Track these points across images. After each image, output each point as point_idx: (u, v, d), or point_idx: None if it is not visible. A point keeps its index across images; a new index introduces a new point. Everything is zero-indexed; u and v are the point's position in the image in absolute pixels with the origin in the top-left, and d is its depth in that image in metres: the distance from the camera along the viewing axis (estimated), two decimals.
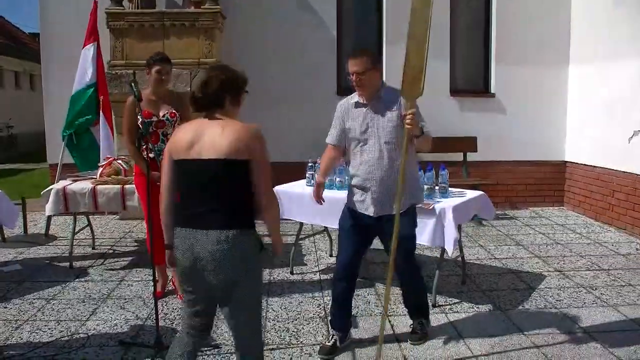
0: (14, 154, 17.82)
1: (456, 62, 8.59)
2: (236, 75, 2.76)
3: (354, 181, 3.77)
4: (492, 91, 8.55)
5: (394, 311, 4.57)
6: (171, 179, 2.73)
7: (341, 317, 3.92)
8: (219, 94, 2.68)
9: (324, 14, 8.35)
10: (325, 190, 5.05)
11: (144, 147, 4.53)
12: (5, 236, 6.83)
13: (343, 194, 4.84)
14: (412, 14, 3.42)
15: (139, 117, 4.08)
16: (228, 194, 2.61)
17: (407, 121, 3.34)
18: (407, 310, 4.12)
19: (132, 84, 3.89)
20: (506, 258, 6.01)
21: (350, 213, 3.82)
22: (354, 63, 3.59)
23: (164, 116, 4.60)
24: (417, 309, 4.04)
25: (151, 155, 4.55)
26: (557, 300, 4.77)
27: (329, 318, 4.03)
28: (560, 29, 8.44)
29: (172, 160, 2.71)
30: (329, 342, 3.87)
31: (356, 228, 3.77)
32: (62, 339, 4.08)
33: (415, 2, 3.41)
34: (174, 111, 4.65)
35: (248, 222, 2.65)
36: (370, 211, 3.71)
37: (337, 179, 5.15)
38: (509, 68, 8.44)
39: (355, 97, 3.75)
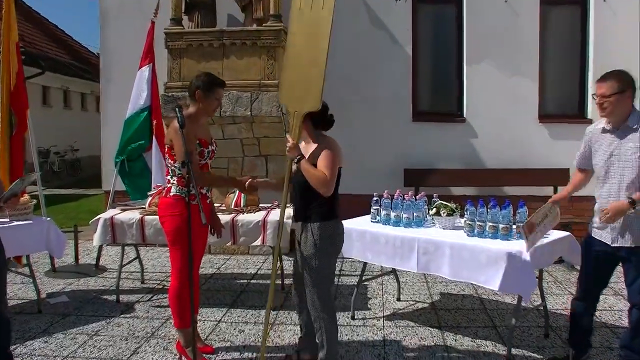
0: (77, 179, 18.68)
1: (546, 82, 8.37)
2: None
3: (596, 206, 4.02)
4: (588, 116, 8.24)
5: None
6: None
7: (576, 334, 4.26)
8: None
9: (398, 33, 8.37)
10: (390, 227, 5.01)
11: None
12: (56, 265, 7.10)
13: (413, 232, 4.80)
14: (297, 15, 4.00)
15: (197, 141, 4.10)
16: None
17: (288, 144, 3.88)
18: None
19: (177, 109, 3.90)
20: (601, 310, 5.62)
21: (589, 236, 4.10)
22: (600, 85, 3.85)
23: (213, 144, 4.42)
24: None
25: (203, 190, 4.32)
26: None
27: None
28: None
29: None
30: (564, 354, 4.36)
31: (594, 253, 4.03)
32: None
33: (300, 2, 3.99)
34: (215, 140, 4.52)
35: None
36: (606, 239, 3.93)
37: (405, 215, 5.01)
38: None
39: (602, 123, 3.97)
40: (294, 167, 3.95)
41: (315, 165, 3.79)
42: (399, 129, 8.34)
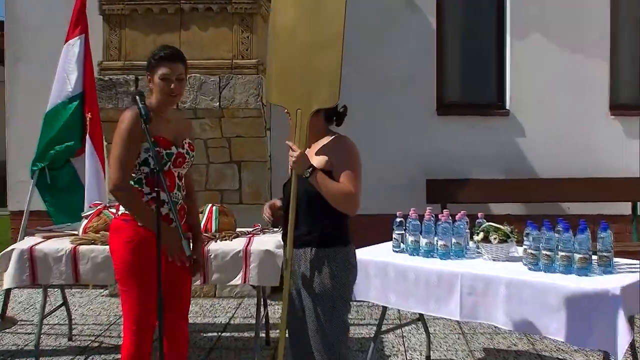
0: None
1: (620, 62, 8.47)
2: None
3: None
4: None
5: None
6: None
7: None
8: None
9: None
10: (420, 258, 4.96)
11: (150, 196, 4.04)
12: None
13: (453, 266, 4.78)
14: None
15: (147, 144, 3.91)
16: None
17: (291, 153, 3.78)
18: None
19: (137, 97, 3.81)
20: None
21: None
22: None
23: (183, 147, 4.20)
24: None
25: (163, 209, 3.98)
26: None
27: None
28: None
29: None
30: None
31: None
32: None
33: None
34: (192, 142, 4.32)
35: None
36: None
37: (440, 242, 4.96)
38: None
39: None
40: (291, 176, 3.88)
41: (329, 175, 3.72)
42: (418, 126, 8.36)
